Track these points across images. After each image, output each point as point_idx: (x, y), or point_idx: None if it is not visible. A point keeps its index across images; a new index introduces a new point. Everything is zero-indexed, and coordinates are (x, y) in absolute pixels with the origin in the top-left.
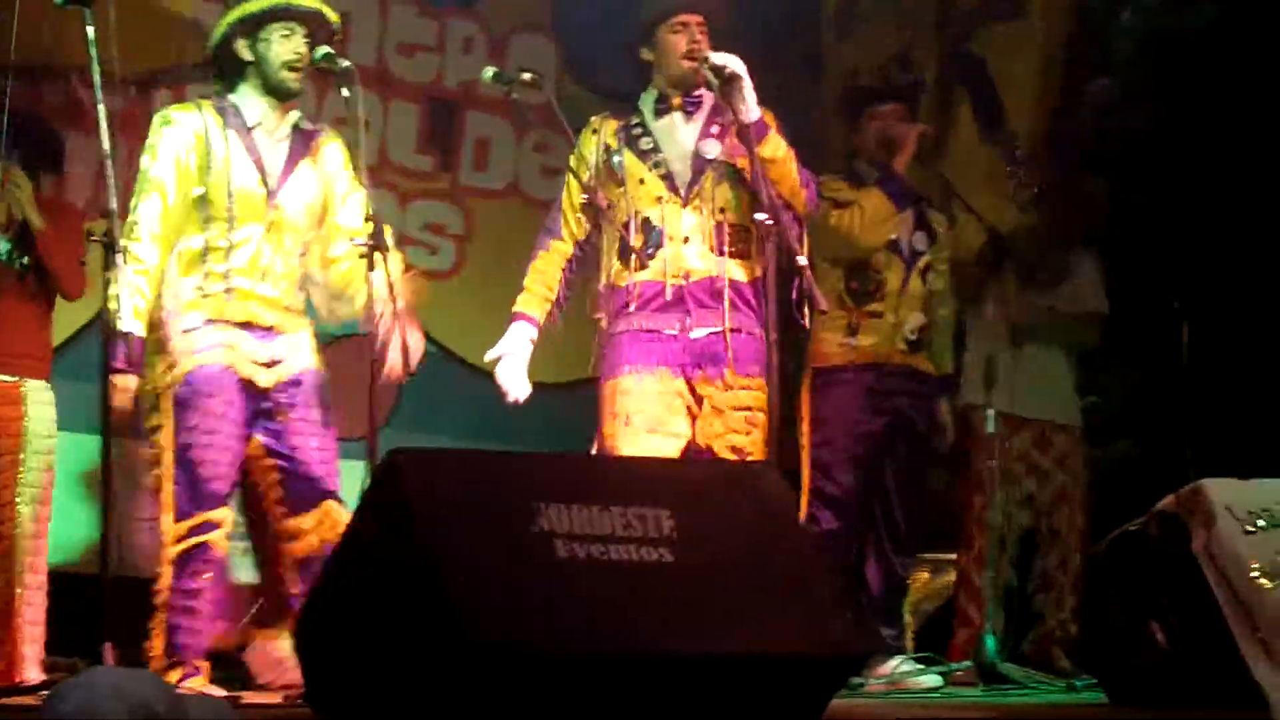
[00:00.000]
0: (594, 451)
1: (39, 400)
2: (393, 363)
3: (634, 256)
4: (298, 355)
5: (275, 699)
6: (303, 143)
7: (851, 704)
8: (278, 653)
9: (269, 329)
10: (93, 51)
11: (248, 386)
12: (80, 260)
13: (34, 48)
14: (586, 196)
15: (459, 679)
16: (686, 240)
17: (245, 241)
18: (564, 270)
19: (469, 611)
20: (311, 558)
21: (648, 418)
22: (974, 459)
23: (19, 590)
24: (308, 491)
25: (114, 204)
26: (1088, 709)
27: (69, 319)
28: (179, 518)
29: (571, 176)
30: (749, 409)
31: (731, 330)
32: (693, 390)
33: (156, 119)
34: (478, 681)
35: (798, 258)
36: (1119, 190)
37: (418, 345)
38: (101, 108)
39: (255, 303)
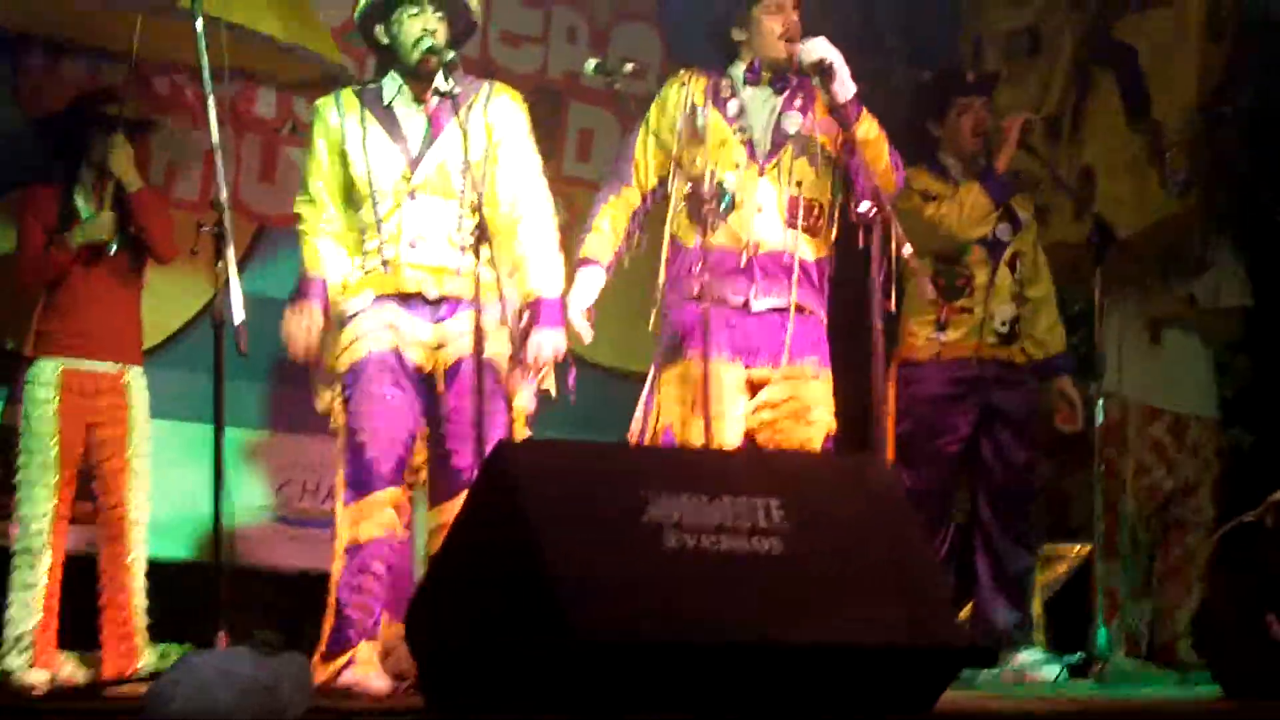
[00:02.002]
0: (640, 428)
1: (139, 388)
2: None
3: (706, 217)
4: (464, 337)
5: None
6: (450, 106)
7: (963, 696)
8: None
9: (437, 301)
10: (201, 44)
11: (415, 370)
12: (171, 228)
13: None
14: (662, 148)
15: (569, 670)
16: (760, 210)
17: (392, 213)
18: (630, 220)
19: (576, 603)
20: None
21: (715, 407)
22: (1102, 447)
23: (131, 577)
24: (453, 483)
25: (224, 195)
26: (1203, 704)
27: (178, 309)
28: (346, 501)
29: (646, 125)
30: (802, 403)
31: (796, 308)
32: (750, 377)
33: (312, 113)
34: (587, 672)
35: (904, 248)
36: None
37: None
38: (211, 100)
39: (415, 271)
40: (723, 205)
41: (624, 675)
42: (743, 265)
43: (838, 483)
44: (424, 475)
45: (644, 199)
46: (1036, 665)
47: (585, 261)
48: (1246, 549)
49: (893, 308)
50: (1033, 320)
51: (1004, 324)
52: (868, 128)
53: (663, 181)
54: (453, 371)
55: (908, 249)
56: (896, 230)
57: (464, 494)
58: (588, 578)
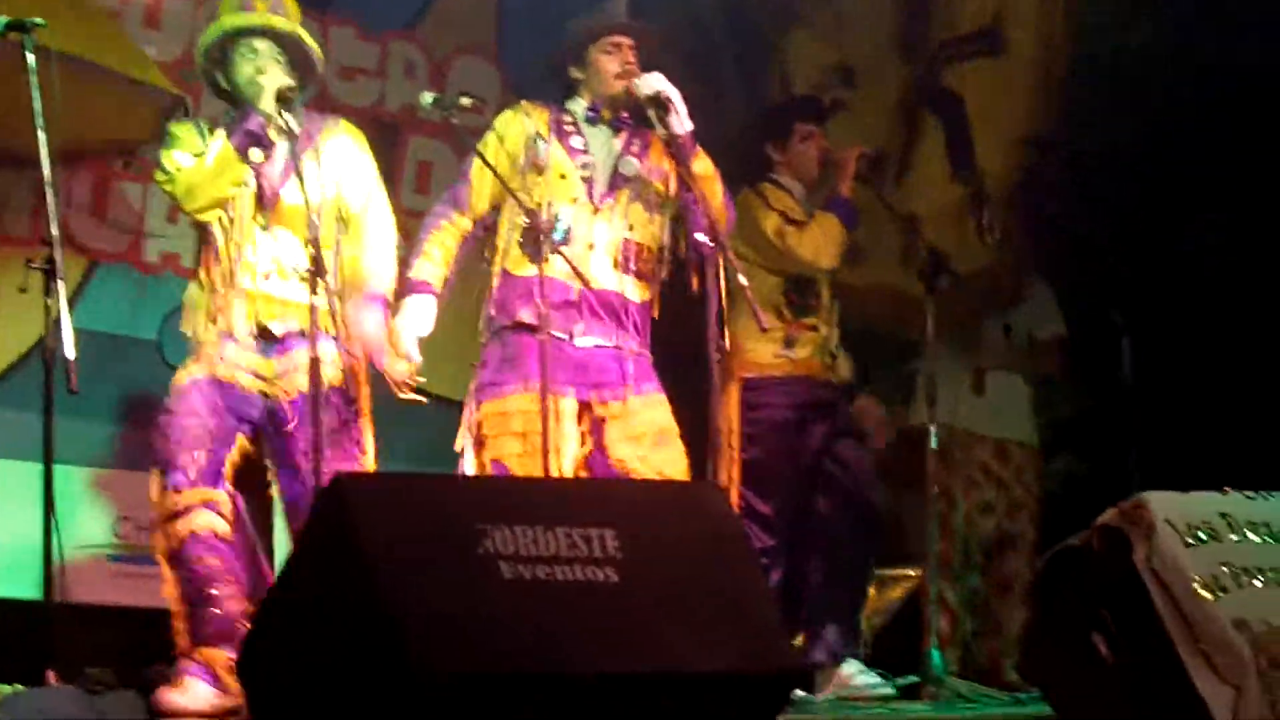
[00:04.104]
0: (465, 463)
1: None
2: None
3: (541, 248)
4: (303, 370)
5: None
6: (303, 139)
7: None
8: None
9: (280, 335)
10: (33, 79)
11: (246, 395)
12: None
13: None
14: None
15: (405, 704)
16: (592, 247)
17: (245, 245)
18: (459, 246)
19: (414, 637)
20: None
21: (542, 439)
22: (931, 472)
23: None
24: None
25: (55, 231)
26: None
27: (8, 346)
28: (168, 488)
29: (484, 153)
30: (659, 426)
31: (621, 348)
32: (589, 410)
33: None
34: (424, 706)
35: (739, 278)
36: (1063, 209)
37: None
38: (42, 135)
39: (265, 303)
40: (558, 237)
41: (461, 708)
42: (574, 299)
43: (672, 510)
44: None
45: (475, 225)
46: (857, 675)
47: (417, 286)
48: (1073, 572)
49: (727, 343)
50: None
51: (836, 346)
52: (704, 164)
53: (495, 209)
54: (295, 403)
55: (743, 279)
56: (732, 261)
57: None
58: (424, 610)
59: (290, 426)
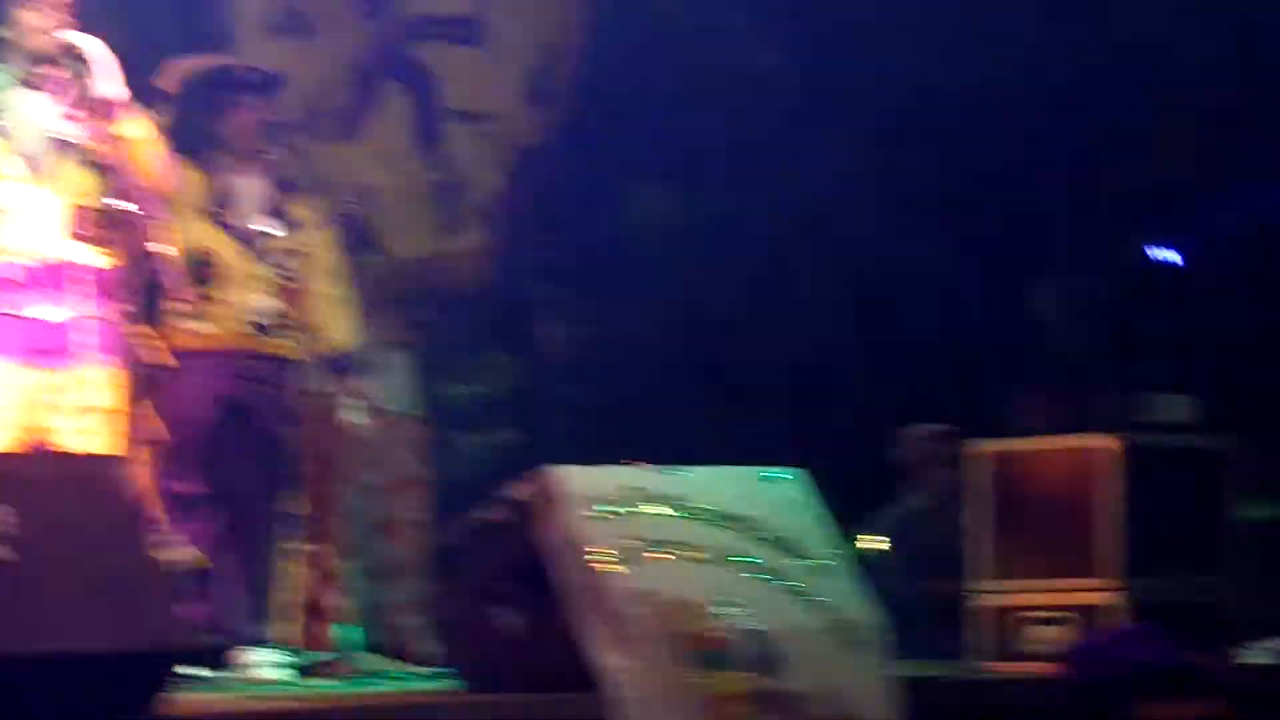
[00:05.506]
0: None
1: None
2: None
3: None
4: None
5: None
6: None
7: (202, 698)
8: None
9: None
10: None
11: None
12: None
13: None
14: None
15: None
16: (38, 221)
17: None
18: None
19: None
20: None
21: None
22: (327, 449)
23: None
24: None
25: None
26: (443, 697)
27: None
28: None
29: None
30: (93, 402)
31: (81, 318)
32: (34, 380)
33: None
34: None
35: (147, 245)
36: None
37: None
38: None
39: None
40: None
41: None
42: (20, 278)
43: (73, 486)
44: None
45: None
46: (267, 664)
47: None
48: (482, 545)
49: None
50: (328, 318)
51: (260, 315)
52: (135, 128)
53: None
54: None
55: (169, 249)
56: (151, 230)
57: None
58: None
59: None
